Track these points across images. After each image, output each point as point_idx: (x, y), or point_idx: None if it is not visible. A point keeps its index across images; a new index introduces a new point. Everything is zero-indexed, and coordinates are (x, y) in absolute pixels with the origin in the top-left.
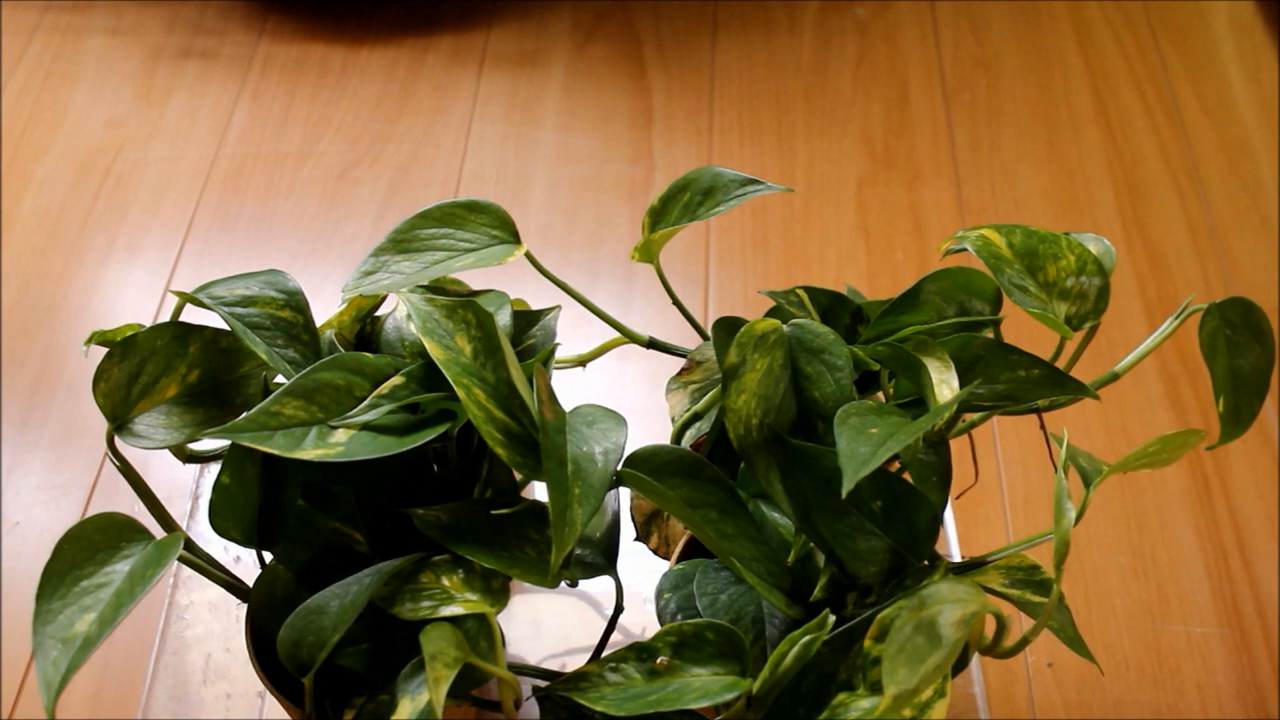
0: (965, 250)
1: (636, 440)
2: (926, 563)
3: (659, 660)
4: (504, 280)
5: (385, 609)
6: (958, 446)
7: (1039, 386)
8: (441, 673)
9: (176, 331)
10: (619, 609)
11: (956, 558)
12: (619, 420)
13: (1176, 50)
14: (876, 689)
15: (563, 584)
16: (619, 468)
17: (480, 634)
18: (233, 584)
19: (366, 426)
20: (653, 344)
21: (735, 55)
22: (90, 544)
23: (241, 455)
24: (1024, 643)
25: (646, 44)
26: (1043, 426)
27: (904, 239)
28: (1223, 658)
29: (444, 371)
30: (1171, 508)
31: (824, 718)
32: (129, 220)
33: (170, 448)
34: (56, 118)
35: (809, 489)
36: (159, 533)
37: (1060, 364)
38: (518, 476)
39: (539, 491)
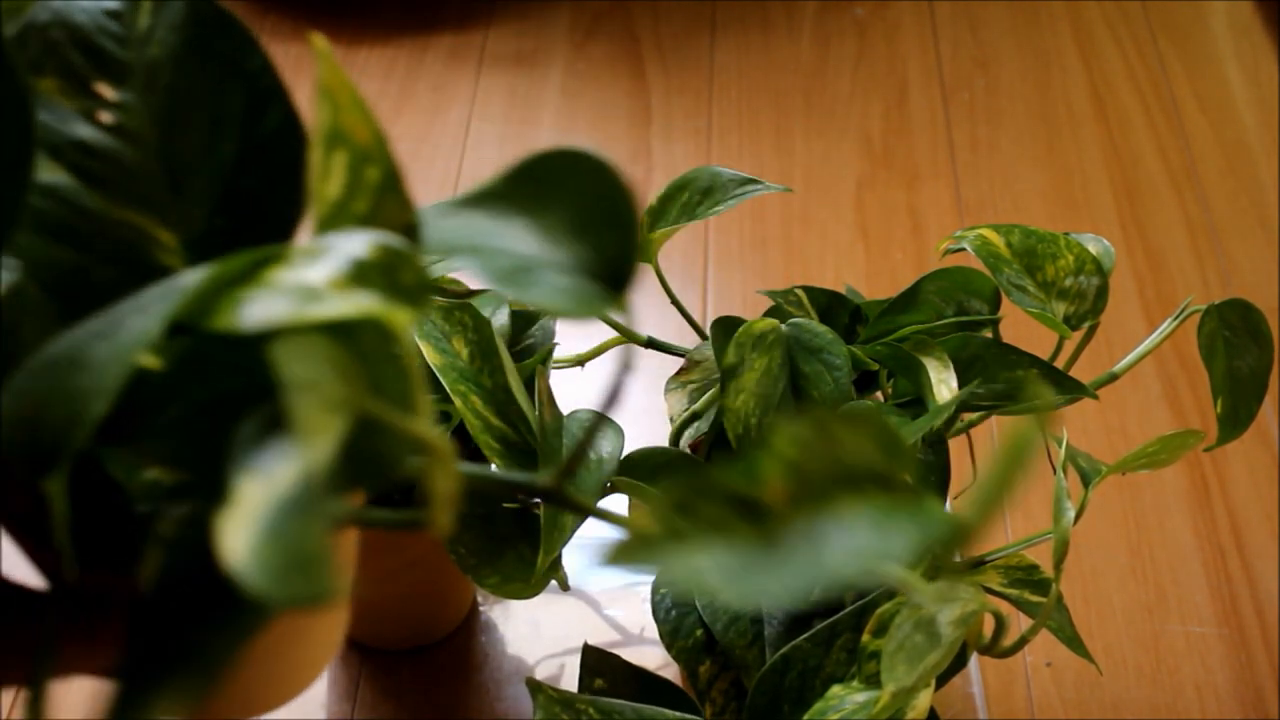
0: (964, 250)
1: (634, 440)
2: None
3: None
4: None
5: (197, 324)
6: (956, 446)
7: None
8: (320, 418)
9: None
10: None
11: (955, 557)
12: (616, 429)
13: (1175, 50)
14: (872, 682)
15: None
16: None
17: (385, 363)
18: None
19: None
20: (651, 344)
21: (734, 55)
22: None
23: None
24: (1022, 642)
25: (645, 44)
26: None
27: (902, 239)
28: (1221, 657)
29: (441, 378)
30: (1170, 508)
31: (819, 709)
32: None
33: None
34: None
35: None
36: None
37: (1059, 364)
38: None
39: None
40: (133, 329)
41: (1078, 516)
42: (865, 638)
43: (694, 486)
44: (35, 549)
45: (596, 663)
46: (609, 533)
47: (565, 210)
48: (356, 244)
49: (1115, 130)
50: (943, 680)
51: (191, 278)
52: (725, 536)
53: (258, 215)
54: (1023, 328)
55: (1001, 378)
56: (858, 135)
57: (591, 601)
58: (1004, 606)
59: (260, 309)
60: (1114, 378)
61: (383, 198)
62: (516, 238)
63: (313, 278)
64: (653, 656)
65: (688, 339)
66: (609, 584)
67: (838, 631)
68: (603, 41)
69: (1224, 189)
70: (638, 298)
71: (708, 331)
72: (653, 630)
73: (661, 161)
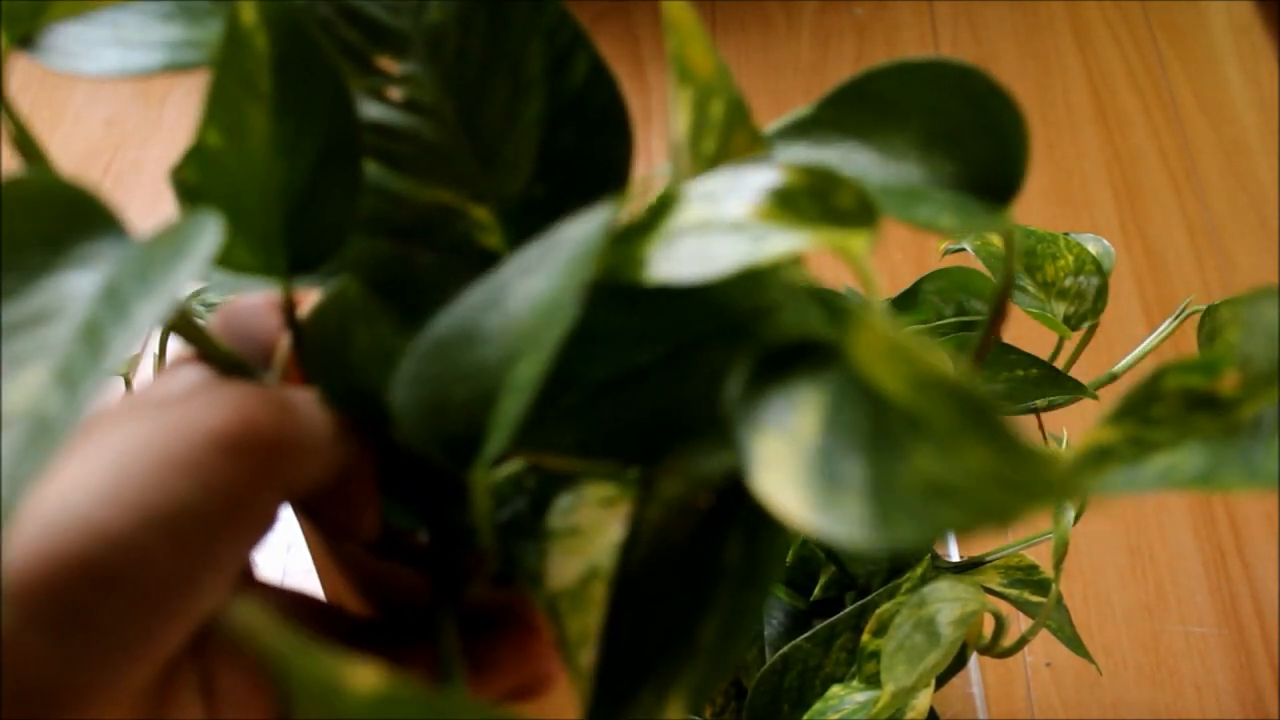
0: (964, 250)
1: None
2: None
3: None
4: None
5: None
6: None
7: (1037, 386)
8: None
9: None
10: None
11: (955, 557)
12: None
13: (1175, 50)
14: (872, 682)
15: None
16: None
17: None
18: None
19: None
20: None
21: (734, 55)
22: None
23: (235, 87)
24: (1022, 642)
25: (646, 43)
26: (1041, 426)
27: (902, 239)
28: (1221, 657)
29: None
30: (1170, 508)
31: (818, 709)
32: (127, 220)
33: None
34: (55, 117)
35: None
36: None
37: (1059, 364)
38: None
39: None
40: (532, 292)
41: (1078, 516)
42: (865, 638)
43: (1146, 391)
44: (374, 571)
45: None
46: None
47: (918, 126)
48: (764, 173)
49: (1115, 130)
50: (943, 680)
51: (580, 230)
52: (1187, 433)
53: (580, 176)
54: (1023, 328)
55: (1001, 378)
56: None
57: None
58: (1004, 606)
59: (697, 260)
60: (1114, 378)
61: (730, 134)
62: (854, 163)
63: (731, 212)
64: None
65: None
66: None
67: (837, 631)
68: (603, 41)
69: (1224, 189)
70: None
71: None
72: None
73: (662, 161)
